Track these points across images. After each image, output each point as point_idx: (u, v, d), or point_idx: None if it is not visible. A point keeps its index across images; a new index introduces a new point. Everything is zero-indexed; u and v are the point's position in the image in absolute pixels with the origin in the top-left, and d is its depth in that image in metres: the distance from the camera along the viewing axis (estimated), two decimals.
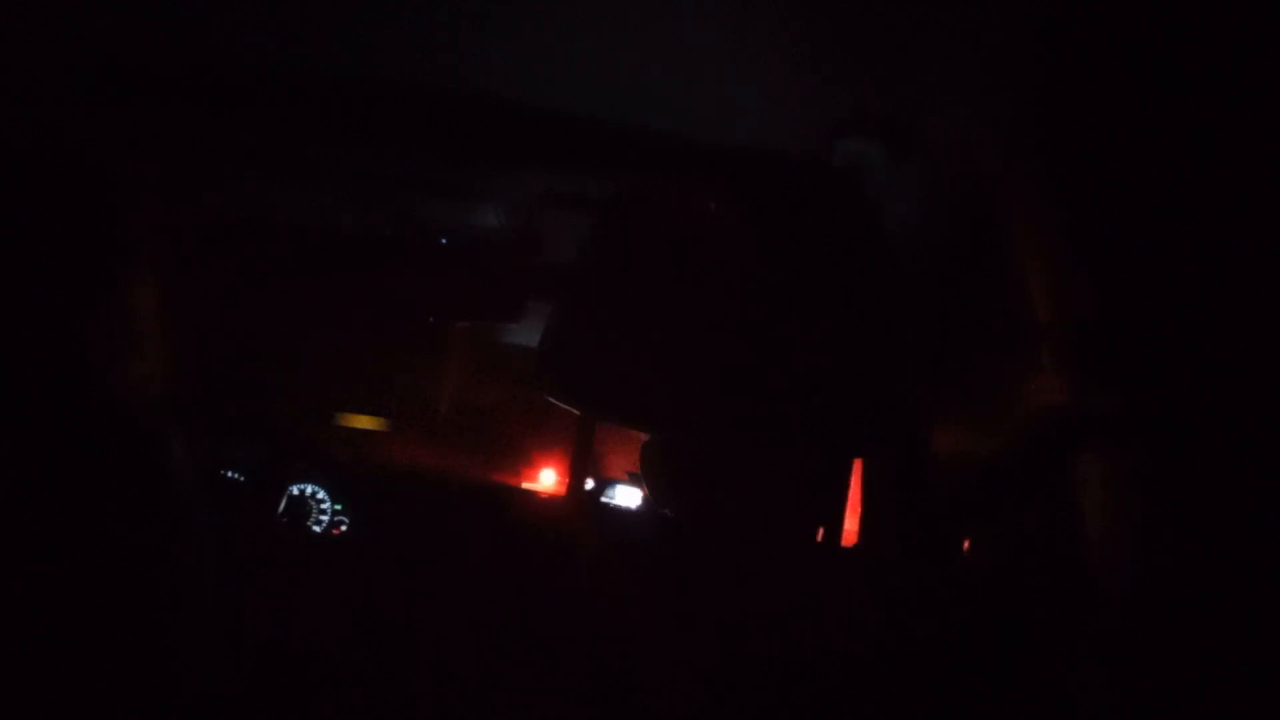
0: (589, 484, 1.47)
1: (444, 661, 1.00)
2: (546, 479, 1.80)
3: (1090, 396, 0.95)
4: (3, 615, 0.93)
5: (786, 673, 0.97)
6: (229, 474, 1.34)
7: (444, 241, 1.56)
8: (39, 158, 1.07)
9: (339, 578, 1.16)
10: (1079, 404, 0.96)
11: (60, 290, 1.03)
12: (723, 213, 0.99)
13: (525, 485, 1.81)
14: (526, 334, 1.77)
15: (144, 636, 0.98)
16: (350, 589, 1.12)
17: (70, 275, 1.04)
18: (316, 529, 1.36)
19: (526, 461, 1.85)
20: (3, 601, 0.93)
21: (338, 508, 1.36)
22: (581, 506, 1.29)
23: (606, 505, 1.52)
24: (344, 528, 1.36)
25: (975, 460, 1.14)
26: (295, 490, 1.36)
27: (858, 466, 1.20)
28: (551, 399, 1.05)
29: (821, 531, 1.06)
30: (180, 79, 1.23)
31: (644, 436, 1.07)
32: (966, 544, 1.11)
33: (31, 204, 1.03)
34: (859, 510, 1.19)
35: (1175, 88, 0.85)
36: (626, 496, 1.64)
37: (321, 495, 1.36)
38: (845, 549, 1.11)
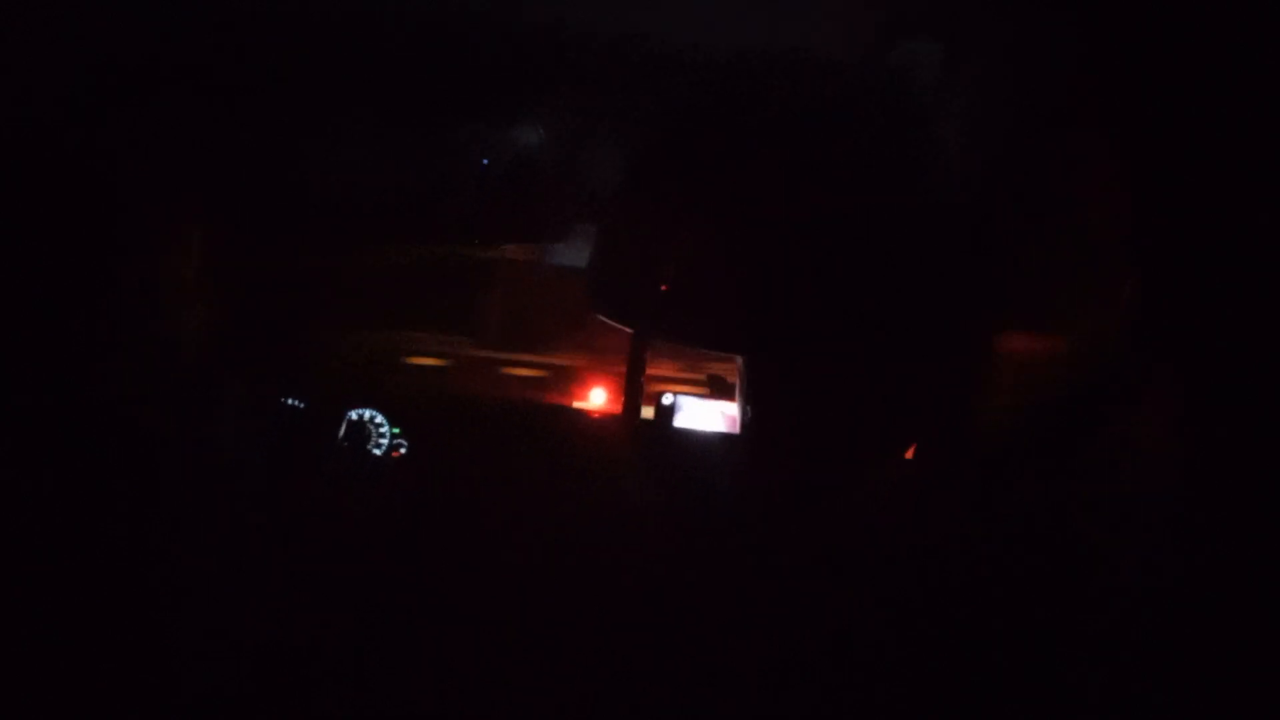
0: (668, 398, 1.44)
1: (497, 582, 1.01)
2: (597, 398, 1.79)
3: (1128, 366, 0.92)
4: (3, 615, 0.93)
5: (787, 670, 0.97)
6: (289, 401, 1.38)
7: (485, 163, 1.54)
8: (39, 158, 1.07)
9: (397, 499, 1.18)
10: (1119, 372, 0.94)
11: (60, 290, 1.04)
12: (764, 132, 0.97)
13: (577, 405, 1.80)
14: (573, 254, 1.75)
15: (144, 636, 0.98)
16: (406, 510, 1.13)
17: (70, 275, 1.04)
18: (377, 452, 1.40)
19: (578, 381, 1.84)
20: (3, 601, 0.93)
21: (396, 431, 1.40)
22: (634, 425, 1.30)
23: (668, 425, 1.48)
24: (403, 450, 1.39)
25: (1018, 416, 1.10)
26: (354, 415, 1.39)
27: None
28: (602, 317, 1.04)
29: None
30: (180, 79, 1.23)
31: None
32: (973, 531, 1.10)
33: (31, 204, 1.04)
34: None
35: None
36: (697, 413, 1.58)
37: (380, 420, 1.40)
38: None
